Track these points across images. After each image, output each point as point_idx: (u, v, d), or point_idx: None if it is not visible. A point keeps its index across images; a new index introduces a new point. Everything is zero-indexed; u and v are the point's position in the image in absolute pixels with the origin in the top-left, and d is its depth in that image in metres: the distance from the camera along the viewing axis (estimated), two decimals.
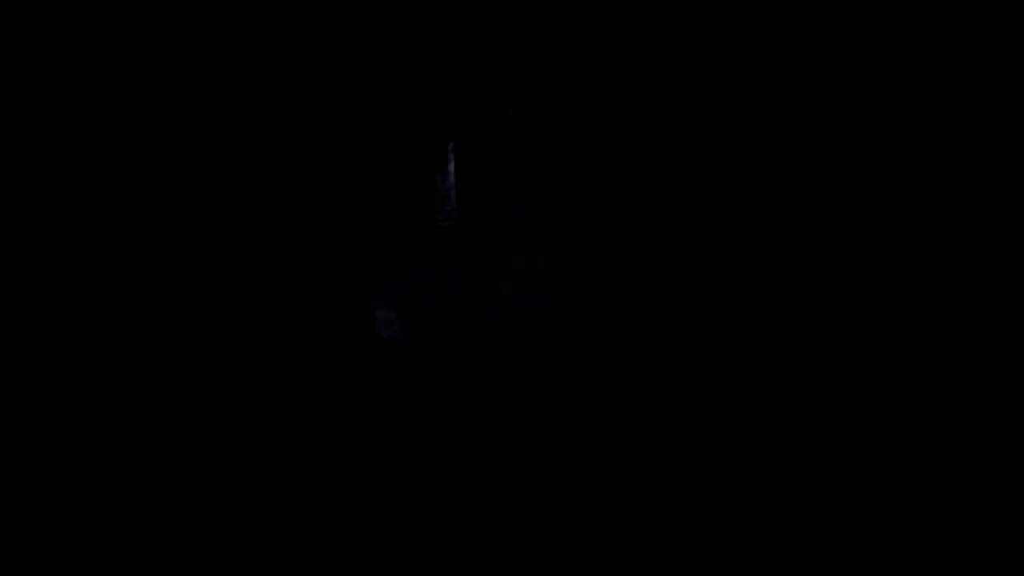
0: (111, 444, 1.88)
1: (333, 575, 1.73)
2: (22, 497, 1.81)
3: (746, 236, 1.95)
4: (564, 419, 1.91)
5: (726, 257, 1.95)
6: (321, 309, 1.96)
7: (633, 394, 1.92)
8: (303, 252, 1.98)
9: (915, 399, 1.87)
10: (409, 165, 2.00)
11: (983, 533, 1.74)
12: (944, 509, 1.78)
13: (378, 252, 1.98)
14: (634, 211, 1.98)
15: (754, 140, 1.97)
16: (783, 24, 1.96)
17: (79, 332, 1.92)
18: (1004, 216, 1.88)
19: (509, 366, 1.93)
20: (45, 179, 1.96)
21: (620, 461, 1.88)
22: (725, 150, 1.98)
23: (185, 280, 1.95)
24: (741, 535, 1.78)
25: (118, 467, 1.86)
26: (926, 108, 1.93)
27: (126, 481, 1.85)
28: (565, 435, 1.90)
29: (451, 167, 2.01)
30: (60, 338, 1.91)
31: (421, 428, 1.92)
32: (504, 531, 1.79)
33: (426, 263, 1.98)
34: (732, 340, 1.93)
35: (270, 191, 1.99)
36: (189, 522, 1.80)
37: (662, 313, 1.94)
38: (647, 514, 1.81)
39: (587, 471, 1.87)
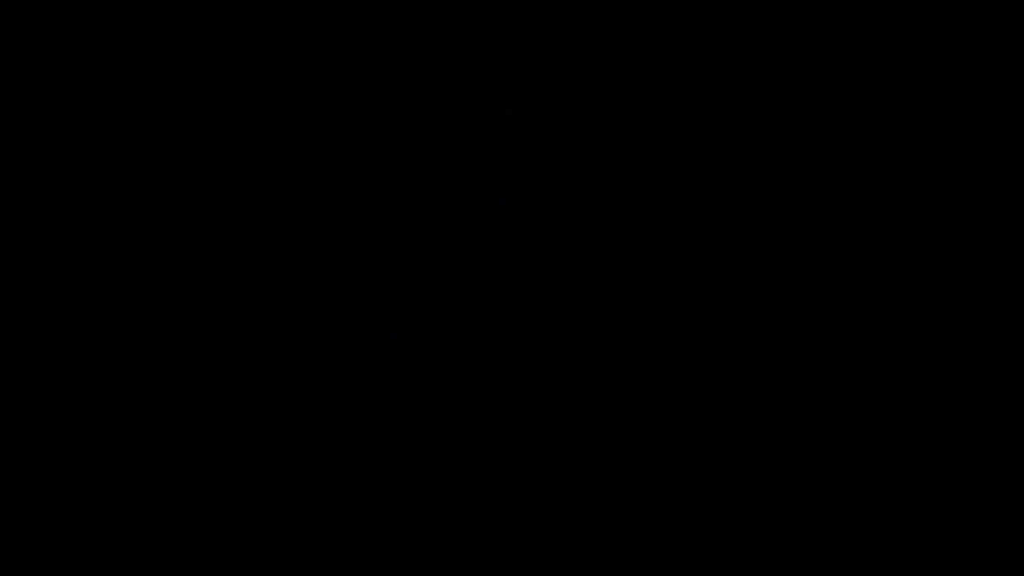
0: (110, 444, 1.88)
1: (332, 575, 1.73)
2: (22, 497, 1.81)
3: (746, 236, 1.95)
4: (564, 420, 1.91)
5: (726, 257, 1.95)
6: (320, 308, 1.95)
7: (633, 394, 1.92)
8: (301, 251, 1.98)
9: (916, 399, 1.87)
10: (408, 164, 2.00)
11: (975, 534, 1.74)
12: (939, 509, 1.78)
13: (376, 251, 1.98)
14: (634, 211, 1.98)
15: (754, 140, 1.97)
16: (782, 24, 1.95)
17: (79, 332, 1.92)
18: (1000, 217, 1.88)
19: (509, 366, 1.93)
20: (45, 179, 1.96)
21: (620, 461, 1.87)
22: (725, 150, 1.97)
23: (183, 279, 1.95)
24: (741, 535, 1.78)
25: (118, 467, 1.86)
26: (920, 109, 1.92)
27: (126, 481, 1.85)
28: (565, 436, 1.90)
29: (450, 167, 2.00)
30: (60, 338, 1.91)
31: (421, 429, 1.91)
32: (504, 532, 1.79)
33: (426, 263, 1.98)
34: (732, 340, 1.93)
35: (268, 191, 1.99)
36: (188, 522, 1.80)
37: (662, 313, 1.94)
38: (647, 515, 1.81)
39: (587, 472, 1.87)
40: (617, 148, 1.99)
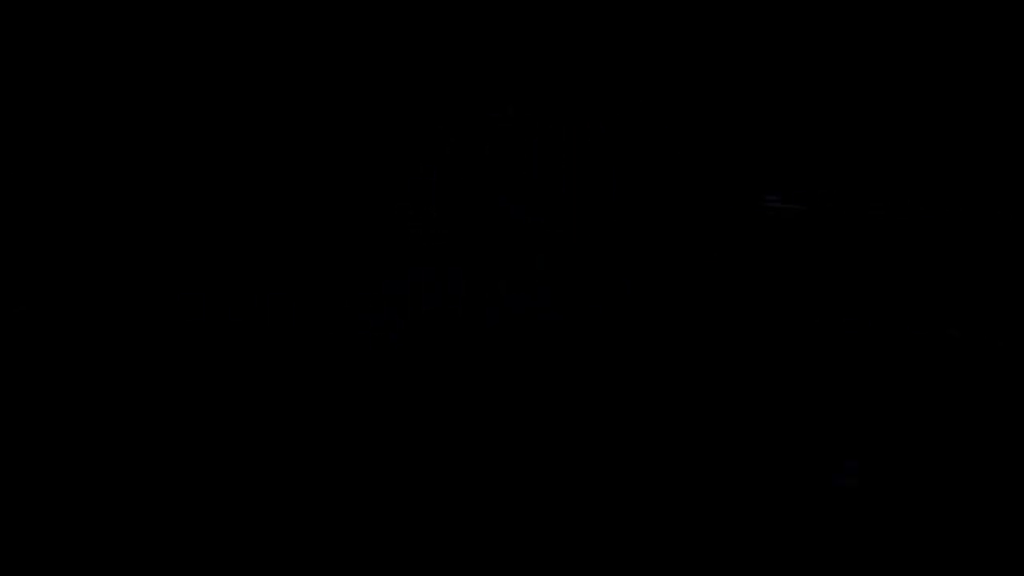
0: (110, 443, 1.88)
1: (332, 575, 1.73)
2: (22, 497, 1.81)
3: (745, 235, 1.95)
4: (564, 420, 1.91)
5: (726, 256, 1.95)
6: (320, 308, 1.96)
7: (633, 394, 1.92)
8: (301, 252, 1.98)
9: (914, 393, 1.87)
10: (408, 164, 2.00)
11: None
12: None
13: (376, 251, 1.98)
14: (634, 211, 1.98)
15: (752, 140, 1.97)
16: (780, 25, 1.96)
17: (78, 332, 1.92)
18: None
19: (509, 366, 1.93)
20: (45, 179, 1.96)
21: (619, 462, 1.87)
22: (725, 150, 1.98)
23: (183, 279, 1.95)
24: (739, 535, 1.78)
25: (118, 466, 1.86)
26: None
27: (126, 480, 1.85)
28: (565, 436, 1.90)
29: (450, 167, 2.01)
30: (60, 338, 1.91)
31: (421, 429, 1.92)
32: (503, 532, 1.79)
33: (426, 263, 1.98)
34: (732, 340, 1.93)
35: (268, 191, 1.99)
36: (187, 522, 1.80)
37: (662, 313, 1.94)
38: (646, 515, 1.81)
39: (587, 472, 1.87)
40: (617, 148, 1.99)
